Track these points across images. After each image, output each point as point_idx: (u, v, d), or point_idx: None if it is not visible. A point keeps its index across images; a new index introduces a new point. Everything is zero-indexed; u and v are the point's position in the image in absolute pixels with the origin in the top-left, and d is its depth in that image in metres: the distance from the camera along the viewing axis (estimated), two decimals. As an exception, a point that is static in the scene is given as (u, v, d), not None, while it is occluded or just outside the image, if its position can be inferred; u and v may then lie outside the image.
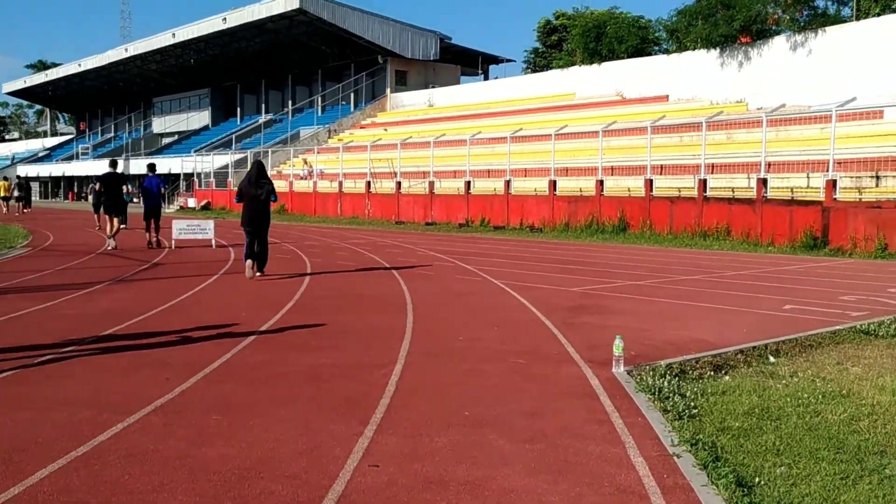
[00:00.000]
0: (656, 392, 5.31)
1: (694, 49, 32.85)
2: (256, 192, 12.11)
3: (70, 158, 74.37)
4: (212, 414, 4.84)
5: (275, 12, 47.26)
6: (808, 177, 20.13)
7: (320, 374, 5.93)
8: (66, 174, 70.65)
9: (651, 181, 23.69)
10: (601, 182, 25.35)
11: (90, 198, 28.50)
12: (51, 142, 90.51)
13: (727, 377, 5.94)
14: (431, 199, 31.44)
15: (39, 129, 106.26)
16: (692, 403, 5.05)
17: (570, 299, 10.01)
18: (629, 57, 37.38)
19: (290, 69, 58.45)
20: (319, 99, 55.88)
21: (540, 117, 36.75)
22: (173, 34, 57.04)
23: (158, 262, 14.95)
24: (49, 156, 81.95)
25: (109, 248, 17.56)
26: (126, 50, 63.98)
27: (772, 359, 6.61)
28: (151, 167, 19.91)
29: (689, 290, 11.05)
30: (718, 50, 31.58)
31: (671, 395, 5.25)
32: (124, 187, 18.96)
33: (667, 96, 33.70)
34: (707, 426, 4.63)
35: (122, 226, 18.09)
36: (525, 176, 29.73)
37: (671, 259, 16.29)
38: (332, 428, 4.58)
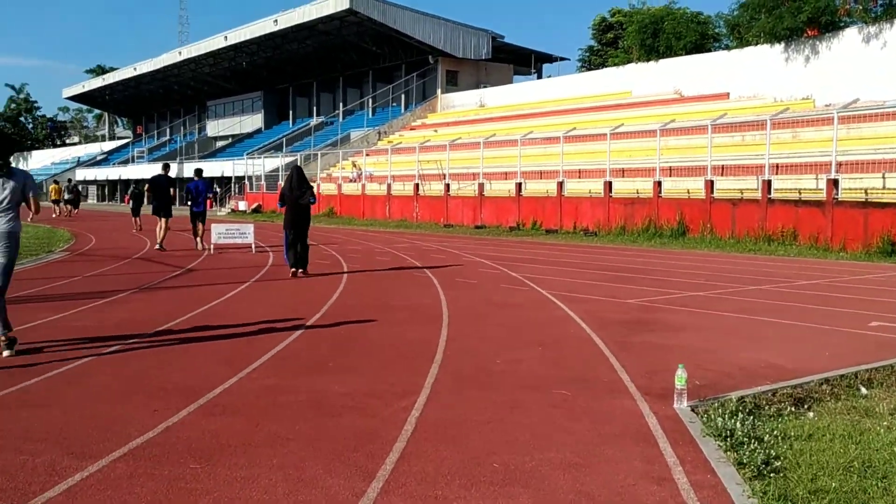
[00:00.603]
0: (728, 437, 4.36)
1: (756, 44, 31.40)
2: (298, 196, 12.94)
3: (126, 162, 75.29)
4: (190, 462, 4.03)
5: (325, 13, 46.87)
6: (883, 177, 18.74)
7: (329, 405, 5.11)
8: (123, 177, 71.39)
9: (712, 182, 22.47)
10: (659, 183, 24.20)
11: (130, 202, 28.43)
12: (109, 145, 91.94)
13: (811, 413, 4.96)
14: (481, 202, 30.56)
15: (98, 133, 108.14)
16: (773, 452, 4.09)
17: (625, 313, 9.04)
18: (687, 54, 36.02)
19: (342, 71, 58.14)
20: (370, 100, 55.43)
21: (594, 116, 35.61)
22: (225, 37, 57.16)
23: (192, 267, 14.37)
24: (107, 159, 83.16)
25: (157, 247, 18.05)
26: (180, 53, 64.43)
27: (864, 390, 5.59)
28: (198, 172, 20.11)
29: (758, 303, 9.98)
30: (783, 44, 30.09)
31: (746, 440, 4.29)
32: (171, 190, 19.58)
33: (727, 94, 32.27)
34: (796, 487, 3.67)
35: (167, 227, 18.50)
36: (579, 177, 28.68)
37: (734, 266, 15.16)
38: (329, 483, 3.74)
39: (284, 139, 53.37)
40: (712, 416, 4.70)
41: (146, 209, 22.36)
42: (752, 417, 4.68)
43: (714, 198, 22.29)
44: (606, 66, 45.53)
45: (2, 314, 6.50)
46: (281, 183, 43.38)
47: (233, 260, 15.73)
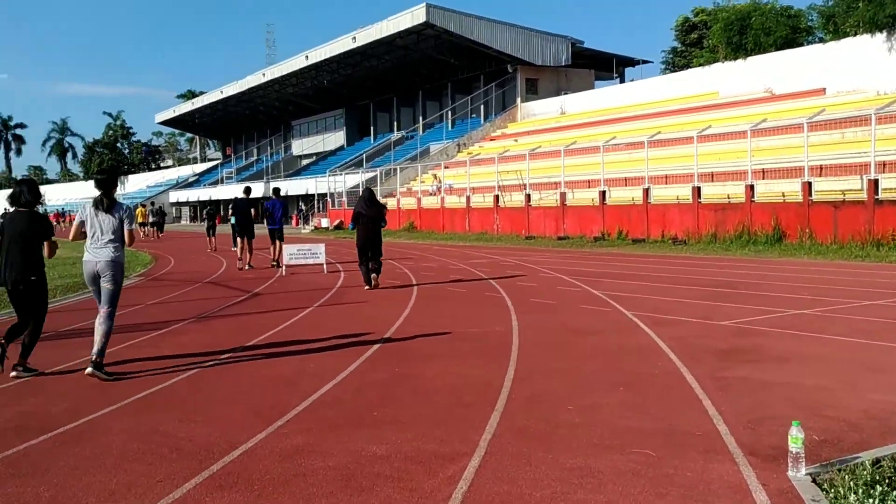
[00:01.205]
0: (866, 523, 3.34)
1: (855, 35, 29.42)
2: (369, 215, 13.79)
3: (216, 183, 76.85)
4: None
5: (402, 27, 46.58)
6: None
7: (361, 475, 4.24)
8: (213, 198, 72.80)
9: (809, 184, 20.90)
10: (751, 187, 22.72)
11: (206, 221, 28.94)
12: (200, 167, 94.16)
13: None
14: (563, 212, 29.47)
15: (191, 156, 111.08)
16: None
17: (720, 338, 7.95)
18: (778, 49, 34.13)
19: (421, 84, 57.90)
20: (449, 113, 54.94)
21: (680, 119, 34.09)
22: (306, 56, 57.60)
23: (259, 291, 13.83)
24: (198, 181, 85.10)
25: (245, 268, 18.83)
26: (263, 75, 65.30)
27: None
28: (275, 191, 21.01)
29: (877, 323, 8.70)
30: (885, 33, 28.07)
31: (891, 528, 3.26)
32: (253, 210, 20.24)
33: (823, 89, 30.34)
34: None
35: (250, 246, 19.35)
36: (665, 183, 27.31)
37: (841, 276, 13.74)
38: None
39: (364, 155, 53.33)
40: (842, 492, 3.66)
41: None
42: (894, 492, 3.63)
43: (812, 200, 20.71)
44: (691, 67, 43.74)
45: (106, 338, 7.03)
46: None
47: (302, 282, 15.16)
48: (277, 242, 19.25)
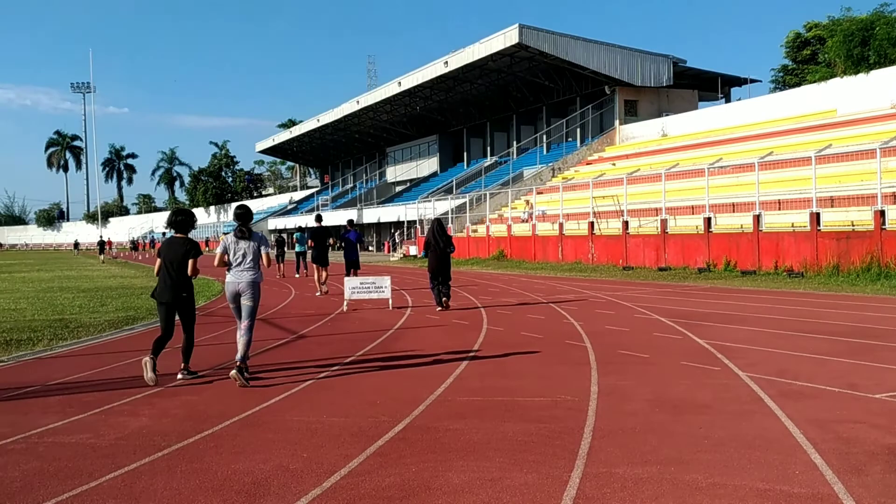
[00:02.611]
0: None
1: None
2: (439, 245, 15.11)
3: (312, 210, 77.01)
4: None
5: (494, 50, 45.07)
6: None
7: None
8: (308, 225, 72.75)
9: (955, 209, 18.09)
10: (882, 213, 19.98)
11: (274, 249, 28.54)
12: (298, 195, 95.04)
13: None
14: (664, 240, 27.09)
15: (291, 184, 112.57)
16: None
17: (881, 424, 5.74)
18: (905, 61, 30.98)
19: (515, 109, 56.29)
20: (544, 136, 53.02)
21: (793, 140, 31.26)
22: (399, 83, 56.84)
23: (305, 333, 12.19)
24: (296, 208, 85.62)
25: (320, 294, 19.77)
26: (357, 102, 65.00)
27: None
28: (350, 222, 21.66)
29: None
30: None
31: None
32: (330, 240, 21.15)
33: (959, 103, 27.14)
34: None
35: (326, 274, 20.33)
36: (779, 209, 24.70)
37: None
38: None
39: (454, 181, 51.93)
40: None
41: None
42: None
43: (959, 228, 17.91)
44: (804, 84, 40.58)
45: (247, 347, 8.12)
46: (451, 226, 41.83)
47: (359, 321, 13.50)
48: (353, 271, 19.89)
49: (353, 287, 14.90)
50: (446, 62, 49.90)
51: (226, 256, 8.37)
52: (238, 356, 8.00)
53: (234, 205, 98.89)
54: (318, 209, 75.40)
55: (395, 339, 11.10)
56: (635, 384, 7.37)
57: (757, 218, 23.68)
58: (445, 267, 14.97)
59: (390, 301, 15.19)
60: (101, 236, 70.63)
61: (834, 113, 32.85)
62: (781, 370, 7.81)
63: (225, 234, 10.83)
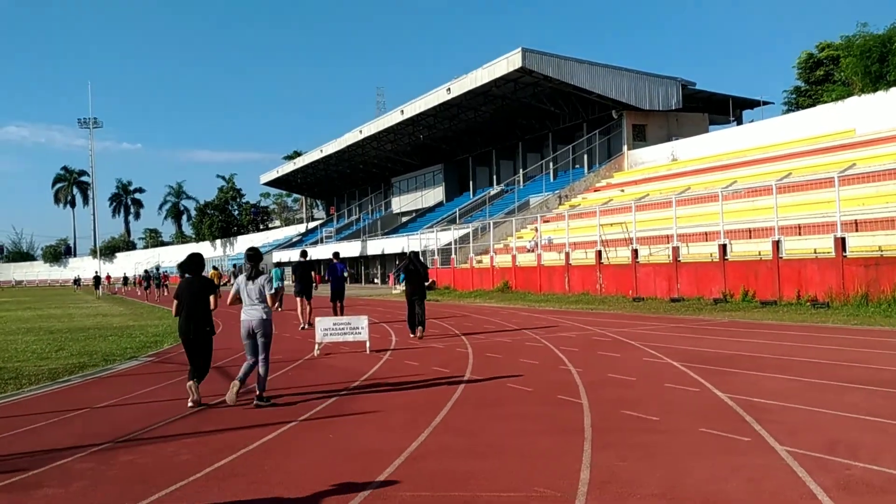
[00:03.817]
0: None
1: None
2: (419, 272, 16.64)
3: (315, 243, 75.65)
4: None
5: (497, 75, 43.68)
6: None
7: None
8: (314, 257, 71.30)
9: None
10: (915, 237, 18.25)
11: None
12: (303, 228, 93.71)
13: None
14: (676, 269, 25.37)
15: (297, 217, 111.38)
16: None
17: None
18: (928, 76, 29.33)
19: (521, 136, 54.85)
20: (550, 164, 51.45)
21: (810, 161, 29.57)
22: (402, 111, 55.59)
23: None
24: (301, 241, 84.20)
25: (304, 327, 19.87)
26: (360, 132, 63.73)
27: None
28: (335, 254, 21.92)
29: None
30: None
31: None
32: (313, 273, 21.86)
33: None
34: None
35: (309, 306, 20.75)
36: (799, 234, 23.00)
37: None
38: None
39: (458, 211, 50.38)
40: None
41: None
42: None
43: None
44: (820, 105, 38.93)
45: (265, 376, 9.11)
46: (454, 257, 40.28)
47: (325, 369, 11.79)
48: (338, 303, 20.39)
49: (325, 328, 13.19)
50: (449, 89, 48.58)
51: (238, 296, 9.26)
52: (259, 386, 9.00)
53: (246, 246, 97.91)
54: (321, 242, 74.01)
55: (355, 395, 9.39)
56: (640, 467, 5.59)
57: (776, 244, 21.99)
58: (422, 294, 16.53)
59: (367, 343, 13.49)
60: (96, 272, 69.33)
61: (853, 133, 31.16)
62: (832, 442, 6.04)
63: (233, 270, 10.30)
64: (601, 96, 43.25)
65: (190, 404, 8.88)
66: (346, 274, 22.30)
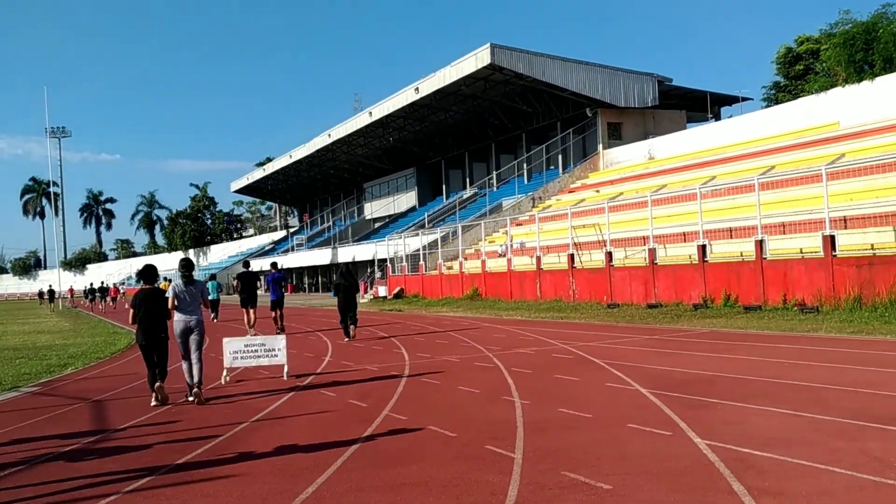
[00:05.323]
0: None
1: None
2: (347, 285, 18.29)
3: (286, 252, 73.50)
4: None
5: (466, 73, 41.79)
6: None
7: None
8: (285, 266, 69.12)
9: None
10: (910, 233, 16.50)
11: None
12: (277, 236, 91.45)
13: None
14: (653, 272, 23.54)
15: (271, 225, 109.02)
16: None
17: None
18: (916, 64, 27.63)
19: (493, 137, 52.96)
20: (524, 164, 49.60)
21: (793, 156, 27.86)
22: (370, 113, 53.66)
23: (119, 429, 8.48)
24: (273, 249, 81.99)
25: (250, 335, 19.32)
26: (329, 136, 61.66)
27: None
28: (273, 265, 23.17)
29: None
30: None
31: None
32: (258, 282, 23.01)
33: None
34: None
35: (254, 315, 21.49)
36: (783, 233, 21.26)
37: None
38: None
39: (427, 216, 48.45)
40: None
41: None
42: None
43: None
44: (801, 97, 37.28)
45: (201, 372, 10.01)
46: (422, 263, 38.35)
47: (220, 403, 9.81)
48: (278, 311, 21.27)
49: (234, 351, 11.12)
50: (417, 88, 46.67)
51: (176, 301, 10.07)
52: (196, 381, 9.81)
53: (219, 255, 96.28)
54: (292, 250, 71.89)
55: (230, 444, 7.38)
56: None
57: (760, 243, 20.19)
58: (353, 303, 18.29)
59: (286, 368, 11.44)
60: (49, 285, 66.81)
61: (836, 126, 29.48)
62: (856, 495, 4.12)
63: (168, 281, 9.77)
64: (575, 93, 41.45)
65: (154, 403, 9.69)
66: (284, 284, 23.91)
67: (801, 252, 19.61)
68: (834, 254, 18.36)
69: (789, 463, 5.49)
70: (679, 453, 5.97)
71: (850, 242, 18.70)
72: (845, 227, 19.69)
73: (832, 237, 18.48)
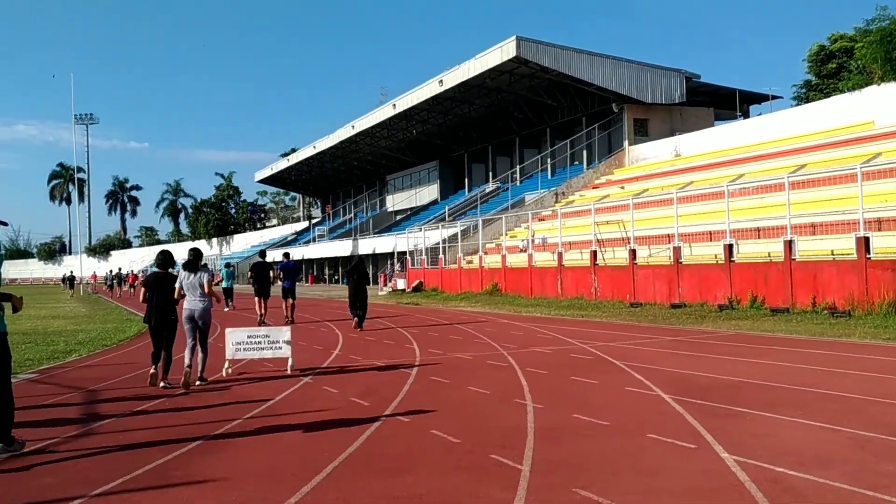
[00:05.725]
0: None
1: None
2: (357, 277, 18.85)
3: (308, 242, 73.29)
4: None
5: (491, 65, 41.18)
6: None
7: None
8: (306, 257, 68.90)
9: None
10: (952, 236, 15.73)
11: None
12: (299, 226, 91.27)
13: None
14: (678, 272, 22.88)
15: (295, 215, 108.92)
16: None
17: None
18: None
19: (517, 131, 52.29)
20: (548, 159, 48.90)
21: (824, 156, 27.05)
22: (394, 105, 53.13)
23: (102, 422, 8.05)
24: (296, 239, 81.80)
25: (263, 322, 20.25)
26: (353, 127, 61.23)
27: None
28: (286, 255, 23.19)
29: None
30: None
31: None
32: (271, 272, 22.59)
33: None
34: None
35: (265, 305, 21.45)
36: (814, 234, 20.53)
37: None
38: None
39: (447, 209, 47.87)
40: None
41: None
42: None
43: None
44: (834, 96, 36.30)
45: (204, 360, 10.54)
46: (441, 256, 37.84)
47: (216, 396, 9.34)
48: (290, 300, 21.25)
49: (237, 342, 10.68)
50: (441, 81, 46.10)
51: (182, 290, 10.38)
52: (187, 363, 10.03)
53: (242, 244, 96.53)
54: (314, 241, 71.65)
55: (218, 443, 6.89)
56: None
57: (789, 244, 19.49)
58: (363, 294, 18.58)
59: (290, 361, 10.96)
60: (71, 271, 66.96)
61: (871, 125, 28.59)
62: None
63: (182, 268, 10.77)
64: (601, 88, 40.74)
65: (162, 384, 10.04)
66: (295, 273, 22.91)
67: (833, 254, 18.92)
68: (868, 256, 17.67)
69: (831, 487, 4.90)
70: (705, 469, 5.40)
71: (885, 245, 17.97)
72: (879, 230, 18.97)
73: (866, 239, 17.76)
